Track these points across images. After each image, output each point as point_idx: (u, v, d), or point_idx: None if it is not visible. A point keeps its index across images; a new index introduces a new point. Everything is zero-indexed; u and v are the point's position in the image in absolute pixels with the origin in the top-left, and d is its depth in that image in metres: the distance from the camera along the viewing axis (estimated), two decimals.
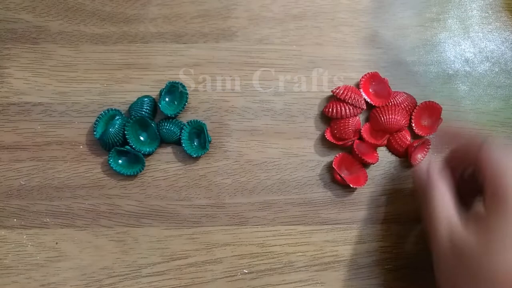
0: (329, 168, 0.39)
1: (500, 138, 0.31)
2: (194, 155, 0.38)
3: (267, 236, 0.37)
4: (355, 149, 0.38)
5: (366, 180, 0.38)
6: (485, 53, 0.43)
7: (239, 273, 0.37)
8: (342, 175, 0.38)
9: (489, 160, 0.26)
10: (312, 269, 0.37)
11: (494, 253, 0.24)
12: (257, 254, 0.37)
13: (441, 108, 0.39)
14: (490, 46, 0.43)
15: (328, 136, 0.39)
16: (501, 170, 0.25)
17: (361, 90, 0.40)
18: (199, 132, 0.39)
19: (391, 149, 0.39)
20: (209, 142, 0.38)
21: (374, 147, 0.39)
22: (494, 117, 0.41)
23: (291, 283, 0.37)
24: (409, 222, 0.38)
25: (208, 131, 0.39)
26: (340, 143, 0.39)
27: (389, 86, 0.40)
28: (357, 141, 0.39)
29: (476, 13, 0.44)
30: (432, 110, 0.40)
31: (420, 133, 0.39)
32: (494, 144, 0.27)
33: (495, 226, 0.24)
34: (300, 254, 0.37)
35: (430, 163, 0.32)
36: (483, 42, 0.43)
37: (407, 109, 0.39)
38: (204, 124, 0.38)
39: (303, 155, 0.39)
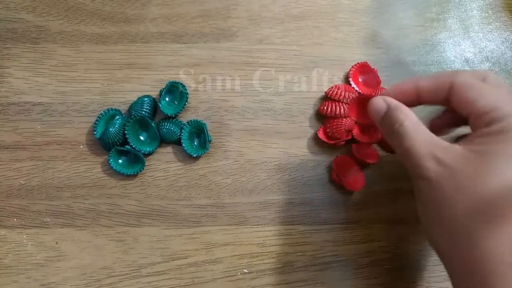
0: (329, 168, 0.39)
1: (467, 71, 0.28)
2: (194, 155, 0.38)
3: (267, 236, 0.37)
4: (355, 153, 0.38)
5: (363, 185, 0.38)
6: (485, 53, 0.43)
7: (239, 273, 0.37)
8: (341, 177, 0.38)
9: (472, 95, 0.25)
10: (312, 269, 0.37)
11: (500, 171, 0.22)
12: (257, 254, 0.37)
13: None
14: (490, 46, 0.43)
15: (320, 135, 0.39)
16: (493, 102, 0.24)
17: (350, 79, 0.40)
18: (199, 132, 0.39)
19: (384, 147, 0.39)
20: (209, 142, 0.38)
21: (372, 147, 0.39)
22: None
23: (291, 283, 0.37)
24: (409, 222, 0.38)
25: (208, 131, 0.39)
26: (332, 142, 0.39)
27: (378, 76, 0.40)
28: (354, 144, 0.39)
29: (476, 13, 0.44)
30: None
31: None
32: (463, 78, 0.26)
33: (500, 148, 0.22)
34: (300, 254, 0.37)
35: (386, 97, 0.29)
36: (483, 42, 0.43)
37: None
38: (204, 123, 0.38)
39: (303, 155, 0.39)
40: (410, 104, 0.29)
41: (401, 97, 0.29)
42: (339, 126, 0.38)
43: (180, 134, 0.38)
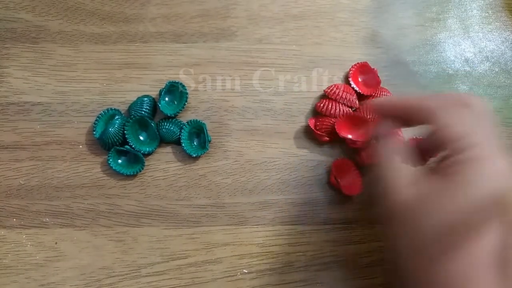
0: (329, 168, 0.39)
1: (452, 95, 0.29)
2: (194, 155, 0.38)
3: (267, 236, 0.37)
4: (366, 161, 0.38)
5: (360, 191, 0.38)
6: (485, 53, 0.43)
7: (239, 273, 0.37)
8: (338, 180, 0.38)
9: (448, 120, 0.25)
10: (312, 269, 0.37)
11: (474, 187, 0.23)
12: (257, 254, 0.37)
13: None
14: (490, 46, 0.43)
15: (311, 123, 0.39)
16: (464, 130, 0.25)
17: (350, 79, 0.40)
18: (198, 132, 0.39)
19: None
20: (209, 141, 0.38)
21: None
22: (494, 117, 0.41)
23: (291, 283, 0.37)
24: None
25: (208, 131, 0.39)
26: (318, 133, 0.39)
27: (378, 76, 0.40)
28: (362, 153, 0.39)
29: (476, 13, 0.44)
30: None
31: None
32: (445, 103, 0.26)
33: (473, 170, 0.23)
34: (300, 254, 0.37)
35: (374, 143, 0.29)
36: (483, 42, 0.43)
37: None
38: (204, 123, 0.38)
39: (303, 155, 0.39)
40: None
41: (392, 112, 0.29)
42: (323, 123, 0.39)
43: (179, 134, 0.38)
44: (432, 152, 0.29)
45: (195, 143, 0.39)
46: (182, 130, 0.38)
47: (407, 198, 0.25)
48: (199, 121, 0.38)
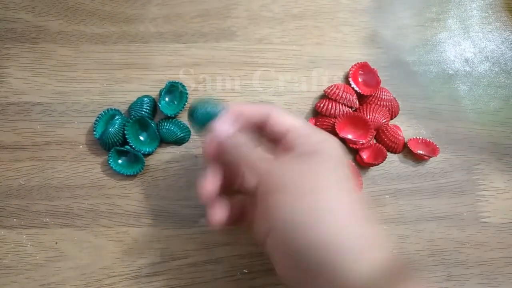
0: None
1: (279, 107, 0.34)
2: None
3: None
4: (366, 161, 0.38)
5: (360, 190, 0.38)
6: (485, 53, 0.43)
7: (239, 273, 0.37)
8: None
9: (286, 121, 0.30)
10: None
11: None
12: (257, 254, 0.37)
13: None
14: (490, 46, 0.43)
15: (311, 123, 0.39)
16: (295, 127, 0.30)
17: (350, 79, 0.40)
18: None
19: (384, 146, 0.39)
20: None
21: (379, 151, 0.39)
22: (494, 117, 0.41)
23: None
24: (409, 222, 0.38)
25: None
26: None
27: (378, 76, 0.40)
28: (362, 154, 0.39)
29: (476, 13, 0.44)
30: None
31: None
32: (279, 111, 0.31)
33: (324, 156, 0.28)
34: None
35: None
36: (483, 42, 0.43)
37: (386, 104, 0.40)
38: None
39: None
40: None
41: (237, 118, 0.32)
42: (323, 123, 0.39)
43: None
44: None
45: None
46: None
47: (270, 167, 0.28)
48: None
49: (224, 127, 0.31)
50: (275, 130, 0.31)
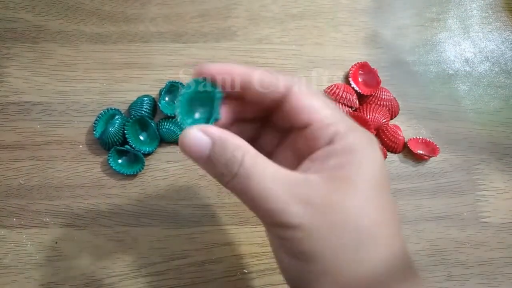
0: None
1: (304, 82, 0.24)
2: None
3: (267, 236, 0.37)
4: None
5: None
6: (485, 53, 0.43)
7: (239, 273, 0.37)
8: None
9: (309, 106, 0.21)
10: None
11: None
12: (257, 254, 0.37)
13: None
14: (490, 46, 0.43)
15: None
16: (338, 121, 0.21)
17: (350, 79, 0.40)
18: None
19: (384, 146, 0.39)
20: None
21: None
22: (494, 117, 0.41)
23: None
24: (409, 222, 0.38)
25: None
26: None
27: (378, 76, 0.40)
28: None
29: (476, 13, 0.44)
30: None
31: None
32: (303, 86, 0.22)
33: (354, 177, 0.20)
34: None
35: (206, 128, 0.21)
36: (483, 42, 0.43)
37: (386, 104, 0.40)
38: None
39: None
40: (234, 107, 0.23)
41: (224, 81, 0.22)
42: None
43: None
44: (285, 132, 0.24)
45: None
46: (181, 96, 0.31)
47: (309, 214, 0.20)
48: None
49: (193, 138, 0.21)
50: (296, 119, 0.21)
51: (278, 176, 0.20)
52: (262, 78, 0.22)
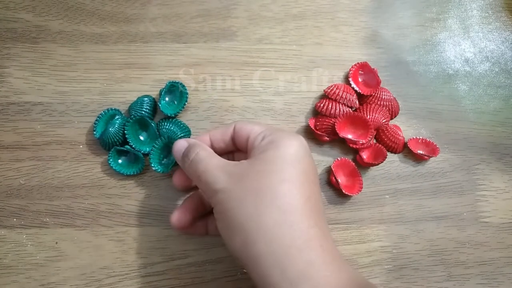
0: (329, 168, 0.39)
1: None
2: (156, 169, 0.37)
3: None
4: (366, 161, 0.38)
5: (360, 190, 0.38)
6: (485, 53, 0.43)
7: (239, 273, 0.37)
8: (339, 179, 0.38)
9: (246, 128, 0.32)
10: None
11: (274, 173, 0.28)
12: None
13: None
14: (490, 46, 0.43)
15: (311, 123, 0.39)
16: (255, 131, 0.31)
17: (350, 79, 0.40)
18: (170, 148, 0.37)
19: (384, 146, 0.39)
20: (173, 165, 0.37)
21: (378, 150, 0.39)
22: (494, 117, 0.41)
23: None
24: (409, 222, 0.39)
25: (208, 131, 0.39)
26: (318, 133, 0.39)
27: (378, 76, 0.40)
28: (362, 154, 0.39)
29: (476, 13, 0.44)
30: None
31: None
32: (242, 121, 0.34)
33: (271, 156, 0.28)
34: None
35: (188, 139, 0.33)
36: (483, 42, 0.43)
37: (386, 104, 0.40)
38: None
39: None
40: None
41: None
42: (323, 123, 0.39)
43: (153, 147, 0.37)
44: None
45: (163, 159, 0.38)
46: (157, 142, 0.37)
47: (230, 181, 0.28)
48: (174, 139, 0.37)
49: (179, 144, 0.32)
50: (238, 141, 0.32)
51: (218, 163, 0.30)
52: (215, 135, 0.33)
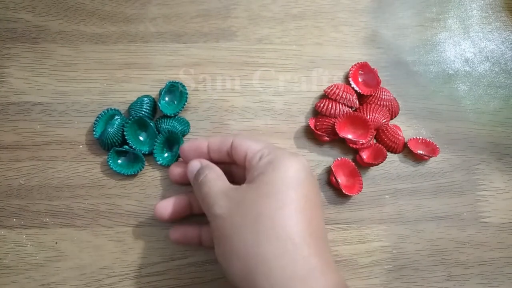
0: (329, 168, 0.39)
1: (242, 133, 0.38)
2: (161, 162, 0.38)
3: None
4: (366, 161, 0.38)
5: (360, 190, 0.38)
6: (485, 53, 0.43)
7: None
8: (339, 179, 0.38)
9: (244, 145, 0.31)
10: None
11: (271, 197, 0.27)
12: None
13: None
14: (490, 46, 0.43)
15: (311, 123, 0.39)
16: (255, 149, 0.30)
17: (350, 79, 0.40)
18: (173, 142, 0.39)
19: (384, 146, 0.39)
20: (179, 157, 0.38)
21: (379, 150, 0.39)
22: (494, 117, 0.41)
23: None
24: (409, 222, 0.39)
25: (208, 131, 0.39)
26: (318, 133, 0.39)
27: (378, 76, 0.40)
28: (362, 154, 0.39)
29: (476, 13, 0.44)
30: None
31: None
32: (240, 136, 0.33)
33: (270, 179, 0.28)
34: None
35: (201, 160, 0.33)
36: (483, 42, 0.43)
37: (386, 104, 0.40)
38: (182, 139, 0.38)
39: (303, 155, 0.39)
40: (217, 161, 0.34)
41: (196, 152, 0.34)
42: (323, 123, 0.39)
43: (156, 140, 0.38)
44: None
45: (166, 153, 0.39)
46: (159, 136, 0.38)
47: (229, 206, 0.28)
48: (178, 134, 0.38)
49: (192, 164, 0.32)
50: (236, 157, 0.31)
51: (221, 187, 0.30)
52: (212, 145, 0.33)
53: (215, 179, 0.30)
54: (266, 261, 0.25)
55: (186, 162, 0.35)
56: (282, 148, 0.33)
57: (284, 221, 0.26)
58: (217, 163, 0.33)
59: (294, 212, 0.26)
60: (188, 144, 0.34)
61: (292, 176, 0.28)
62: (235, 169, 0.34)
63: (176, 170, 0.35)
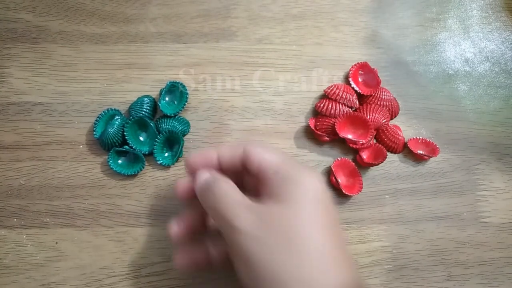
0: (329, 168, 0.39)
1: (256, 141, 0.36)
2: (161, 162, 0.38)
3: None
4: (366, 161, 0.38)
5: (360, 190, 0.38)
6: (485, 53, 0.43)
7: None
8: (339, 180, 0.38)
9: (257, 154, 0.29)
10: None
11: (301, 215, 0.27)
12: None
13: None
14: (490, 46, 0.43)
15: (311, 123, 0.39)
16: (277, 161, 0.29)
17: (350, 79, 0.40)
18: (173, 142, 0.39)
19: (384, 146, 0.39)
20: (180, 157, 0.38)
21: (378, 150, 0.39)
22: (494, 117, 0.41)
23: None
24: (409, 222, 0.39)
25: (208, 131, 0.39)
26: (318, 133, 0.39)
27: (378, 76, 0.40)
28: (362, 154, 0.39)
29: (476, 13, 0.44)
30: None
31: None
32: (252, 143, 0.30)
33: (295, 197, 0.27)
34: None
35: (211, 171, 0.31)
36: (483, 42, 0.43)
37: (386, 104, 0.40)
38: (182, 139, 0.38)
39: (303, 155, 0.39)
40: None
41: (205, 162, 0.31)
42: (323, 123, 0.39)
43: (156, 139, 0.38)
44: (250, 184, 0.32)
45: (166, 153, 0.39)
46: (159, 136, 0.38)
47: (247, 223, 0.26)
48: (179, 134, 0.38)
49: (202, 174, 0.30)
50: (249, 167, 0.30)
51: (240, 199, 0.28)
52: (223, 154, 0.31)
53: (232, 190, 0.29)
54: (304, 283, 0.25)
55: (191, 176, 0.32)
56: (294, 159, 0.34)
57: (318, 241, 0.26)
58: (229, 175, 0.31)
59: (327, 232, 0.26)
60: (194, 155, 0.31)
61: (315, 194, 0.27)
62: (247, 180, 0.32)
63: (183, 185, 0.32)
